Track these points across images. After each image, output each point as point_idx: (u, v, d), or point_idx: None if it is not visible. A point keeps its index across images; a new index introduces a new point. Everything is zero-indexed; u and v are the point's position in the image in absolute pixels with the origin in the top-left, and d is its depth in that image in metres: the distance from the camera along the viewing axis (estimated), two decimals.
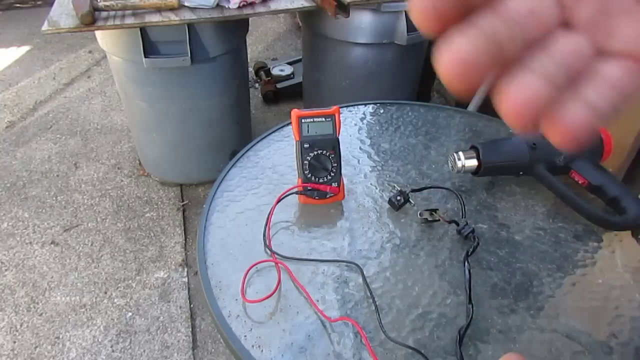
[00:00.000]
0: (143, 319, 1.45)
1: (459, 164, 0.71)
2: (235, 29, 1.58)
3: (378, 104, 0.95)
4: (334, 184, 0.68)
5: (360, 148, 0.83)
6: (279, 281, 0.59)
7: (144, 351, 1.37)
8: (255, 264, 0.61)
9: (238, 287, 0.58)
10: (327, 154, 0.67)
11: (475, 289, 0.59)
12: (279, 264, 0.61)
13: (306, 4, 1.47)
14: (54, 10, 1.36)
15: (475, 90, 0.17)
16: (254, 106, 2.34)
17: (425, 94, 2.34)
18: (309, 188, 0.67)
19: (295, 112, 0.66)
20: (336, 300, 0.57)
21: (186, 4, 1.39)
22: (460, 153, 0.72)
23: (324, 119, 0.66)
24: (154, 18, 1.34)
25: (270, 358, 0.52)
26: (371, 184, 0.75)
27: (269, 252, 0.63)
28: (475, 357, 0.52)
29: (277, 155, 0.81)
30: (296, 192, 0.68)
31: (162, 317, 1.46)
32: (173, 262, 1.63)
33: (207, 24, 1.43)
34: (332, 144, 0.67)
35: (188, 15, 1.36)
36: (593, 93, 0.17)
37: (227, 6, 1.42)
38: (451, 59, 0.17)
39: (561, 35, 0.17)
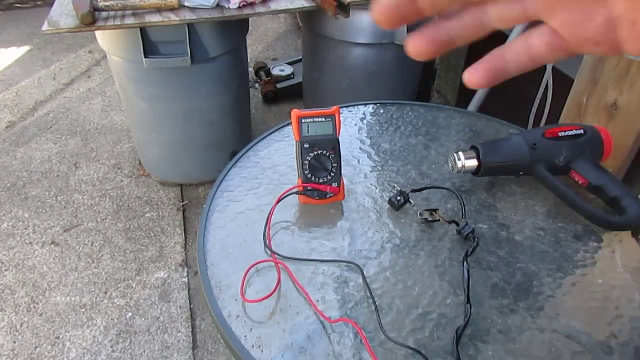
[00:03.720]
0: (143, 319, 1.45)
1: (459, 164, 0.71)
2: (235, 29, 1.58)
3: (378, 104, 0.95)
4: (334, 184, 0.68)
5: (360, 148, 0.83)
6: (279, 281, 0.59)
7: (144, 351, 1.37)
8: (255, 264, 0.61)
9: (238, 287, 0.58)
10: (327, 154, 0.67)
11: (475, 289, 0.59)
12: (278, 264, 0.61)
13: (306, 4, 1.47)
14: (54, 10, 1.36)
15: (394, 26, 0.24)
16: (254, 106, 2.34)
17: (425, 94, 2.34)
18: (309, 188, 0.67)
19: (295, 112, 0.66)
20: (336, 301, 0.57)
21: (186, 4, 1.39)
22: (460, 153, 0.72)
23: (324, 119, 0.66)
24: (154, 18, 1.35)
25: (270, 358, 0.52)
26: (371, 184, 0.75)
27: (269, 252, 0.63)
28: (475, 357, 0.52)
29: (277, 155, 0.81)
30: (296, 192, 0.68)
31: (162, 317, 1.46)
32: (173, 262, 1.63)
33: (207, 24, 1.44)
34: (332, 144, 0.67)
35: (188, 15, 1.37)
36: (510, 54, 0.24)
37: (227, 6, 1.42)
38: (376, 7, 0.23)
39: (501, 2, 0.23)
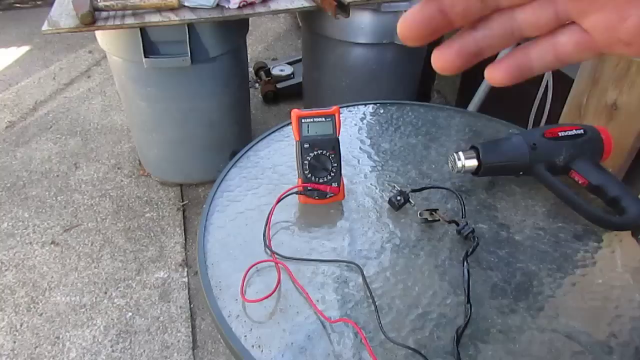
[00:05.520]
0: (143, 319, 1.45)
1: (459, 164, 0.71)
2: (235, 29, 1.58)
3: (378, 104, 0.95)
4: (334, 184, 0.68)
5: (360, 148, 0.83)
6: (279, 281, 0.59)
7: (144, 351, 1.37)
8: (255, 264, 0.61)
9: (238, 287, 0.58)
10: (327, 154, 0.67)
11: (475, 289, 0.59)
12: (279, 264, 0.61)
13: (306, 4, 1.47)
14: (54, 10, 1.36)
15: (422, 43, 0.23)
16: (254, 106, 2.34)
17: (425, 94, 2.34)
18: (309, 188, 0.67)
19: (295, 112, 0.66)
20: (336, 301, 0.57)
21: (186, 4, 1.39)
22: (460, 153, 0.72)
23: (324, 119, 0.66)
24: (154, 18, 1.35)
25: (270, 358, 0.52)
26: (371, 184, 0.75)
27: (269, 252, 0.63)
28: (475, 357, 0.52)
29: (277, 155, 0.81)
30: (296, 192, 0.68)
31: (162, 317, 1.46)
32: (173, 262, 1.63)
33: (207, 24, 1.43)
34: (332, 144, 0.67)
35: (188, 15, 1.36)
36: (535, 51, 0.23)
37: (227, 6, 1.42)
38: (401, 23, 0.23)
39: (530, 6, 0.22)
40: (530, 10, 0.22)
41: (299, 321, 0.55)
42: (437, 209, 0.67)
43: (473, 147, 0.73)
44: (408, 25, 0.23)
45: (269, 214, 0.66)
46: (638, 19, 0.20)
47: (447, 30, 0.23)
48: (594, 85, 1.03)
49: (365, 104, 0.94)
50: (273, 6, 1.44)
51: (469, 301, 0.55)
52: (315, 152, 0.66)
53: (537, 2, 0.22)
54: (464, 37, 0.23)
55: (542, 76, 1.45)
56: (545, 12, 0.22)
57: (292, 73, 2.44)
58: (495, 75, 0.23)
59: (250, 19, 1.62)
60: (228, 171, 0.77)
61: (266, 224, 0.66)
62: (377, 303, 0.56)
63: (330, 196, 0.68)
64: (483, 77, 0.25)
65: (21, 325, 1.42)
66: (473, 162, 0.71)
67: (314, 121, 0.66)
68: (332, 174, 0.67)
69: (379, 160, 0.80)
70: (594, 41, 0.22)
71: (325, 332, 0.54)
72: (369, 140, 0.85)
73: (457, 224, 0.65)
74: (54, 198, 1.87)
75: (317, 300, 0.57)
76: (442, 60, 0.23)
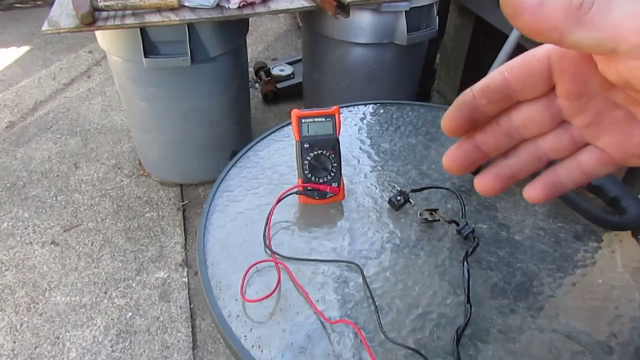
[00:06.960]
0: (143, 319, 1.45)
1: None
2: (235, 29, 1.58)
3: (378, 104, 0.95)
4: (334, 184, 0.68)
5: (360, 148, 0.83)
6: (279, 281, 0.59)
7: (144, 351, 1.37)
8: (255, 264, 0.61)
9: (238, 287, 0.58)
10: (327, 154, 0.67)
11: (476, 289, 0.59)
12: (278, 264, 0.61)
13: (306, 4, 1.47)
14: (54, 10, 1.36)
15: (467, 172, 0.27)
16: (254, 106, 2.34)
17: (425, 94, 2.34)
18: (309, 188, 0.67)
19: (295, 112, 0.66)
20: (336, 301, 0.57)
21: (186, 4, 1.39)
22: None
23: (324, 119, 0.66)
24: (154, 18, 1.35)
25: (270, 358, 0.52)
26: (371, 184, 0.75)
27: (269, 252, 0.63)
28: (475, 357, 0.52)
29: (277, 155, 0.81)
30: (296, 192, 0.68)
31: (162, 317, 1.46)
32: (173, 262, 1.63)
33: (207, 24, 1.44)
34: (332, 144, 0.67)
35: (188, 15, 1.37)
36: (563, 170, 0.26)
37: (227, 6, 1.42)
38: (445, 158, 0.27)
39: (550, 135, 0.25)
40: (550, 138, 0.25)
41: (299, 321, 0.55)
42: (437, 209, 0.67)
43: None
44: (451, 160, 0.27)
45: (269, 214, 0.66)
46: None
47: (484, 161, 0.27)
48: None
49: (365, 104, 0.94)
50: (273, 6, 1.44)
51: (469, 301, 0.55)
52: (315, 152, 0.66)
53: (555, 130, 0.25)
54: (498, 165, 0.27)
55: None
56: (563, 138, 0.25)
57: (292, 73, 2.44)
58: (532, 195, 0.27)
59: (250, 19, 1.62)
60: (228, 171, 0.77)
61: (266, 224, 0.66)
62: (377, 303, 0.56)
63: (330, 196, 0.68)
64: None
65: (21, 325, 1.42)
66: None
67: (314, 121, 0.66)
68: (332, 174, 0.67)
69: (379, 160, 0.80)
70: (611, 156, 0.24)
71: (325, 332, 0.54)
72: (369, 140, 0.85)
73: (457, 224, 0.65)
74: (54, 198, 1.87)
75: (317, 300, 0.57)
76: (483, 185, 0.27)
